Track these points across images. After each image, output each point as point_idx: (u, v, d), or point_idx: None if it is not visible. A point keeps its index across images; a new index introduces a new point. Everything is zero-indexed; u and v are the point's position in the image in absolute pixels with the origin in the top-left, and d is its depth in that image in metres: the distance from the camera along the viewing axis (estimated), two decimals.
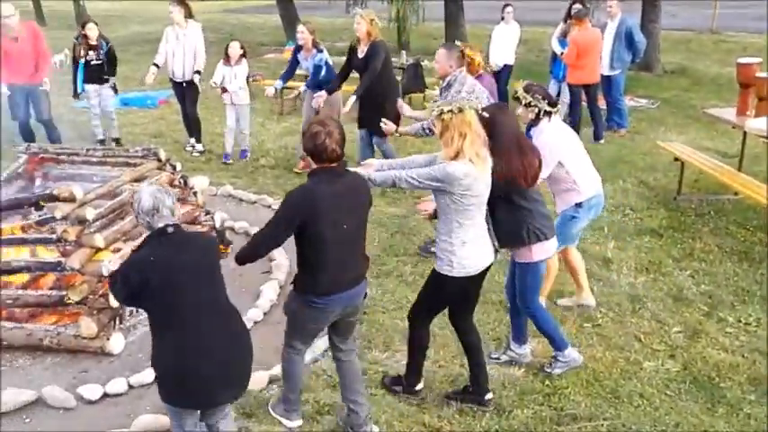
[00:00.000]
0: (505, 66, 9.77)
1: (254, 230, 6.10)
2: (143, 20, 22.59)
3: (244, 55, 7.92)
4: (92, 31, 8.39)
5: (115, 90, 8.74)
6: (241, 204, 6.93)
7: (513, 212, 3.90)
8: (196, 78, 8.14)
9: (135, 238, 4.95)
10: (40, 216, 4.96)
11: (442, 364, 4.32)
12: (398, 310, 4.90)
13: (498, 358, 4.39)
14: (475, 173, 3.50)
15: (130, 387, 4.10)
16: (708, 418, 3.89)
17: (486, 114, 3.75)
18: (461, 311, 3.95)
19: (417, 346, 3.98)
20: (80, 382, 4.14)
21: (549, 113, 4.37)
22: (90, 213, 4.57)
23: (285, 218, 3.30)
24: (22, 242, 4.78)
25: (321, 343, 4.48)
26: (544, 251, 4.04)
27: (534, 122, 4.44)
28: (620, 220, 6.57)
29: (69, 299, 4.35)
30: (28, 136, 7.80)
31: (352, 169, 3.57)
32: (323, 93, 7.13)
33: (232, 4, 26.57)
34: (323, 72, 7.46)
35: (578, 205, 4.52)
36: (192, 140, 8.66)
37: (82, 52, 8.39)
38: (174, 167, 5.80)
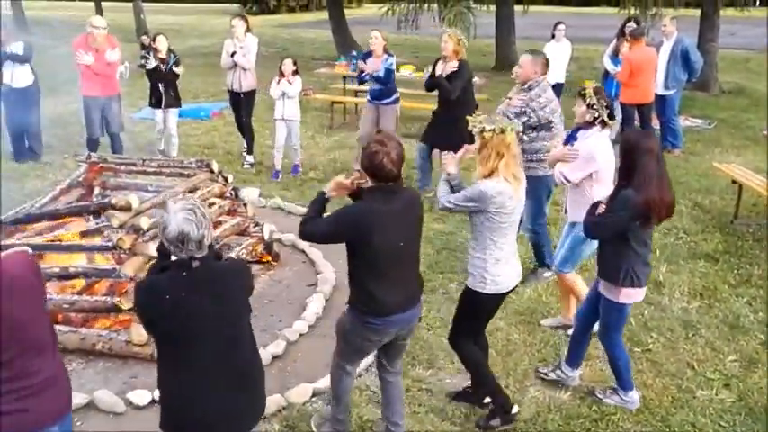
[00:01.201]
0: (557, 84, 9.66)
1: (301, 243, 6.20)
2: (200, 34, 23.22)
3: (296, 71, 8.08)
4: (162, 44, 8.50)
5: (177, 101, 8.79)
6: (289, 217, 7.00)
7: (619, 250, 3.80)
8: (228, 59, 8.18)
9: None
10: (97, 224, 5.12)
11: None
12: (443, 328, 4.86)
13: (546, 374, 4.32)
14: (509, 191, 3.56)
15: None
16: None
17: (629, 140, 3.73)
18: (473, 326, 3.95)
19: (473, 363, 3.92)
20: (130, 387, 4.23)
21: (604, 123, 4.38)
22: (145, 223, 4.69)
23: (334, 231, 3.32)
24: (80, 249, 4.93)
25: (364, 359, 4.49)
26: (632, 296, 3.91)
27: (586, 126, 4.46)
28: (672, 243, 6.41)
29: (121, 303, 4.46)
30: (94, 149, 8.04)
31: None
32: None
33: (286, 20, 27.08)
34: (392, 76, 7.75)
35: None
36: (248, 158, 8.82)
37: (153, 64, 8.46)
38: (225, 179, 5.91)
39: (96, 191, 5.91)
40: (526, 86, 5.39)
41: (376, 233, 3.18)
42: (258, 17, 28.33)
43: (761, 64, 16.37)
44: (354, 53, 12.03)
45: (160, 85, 8.48)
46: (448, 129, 7.07)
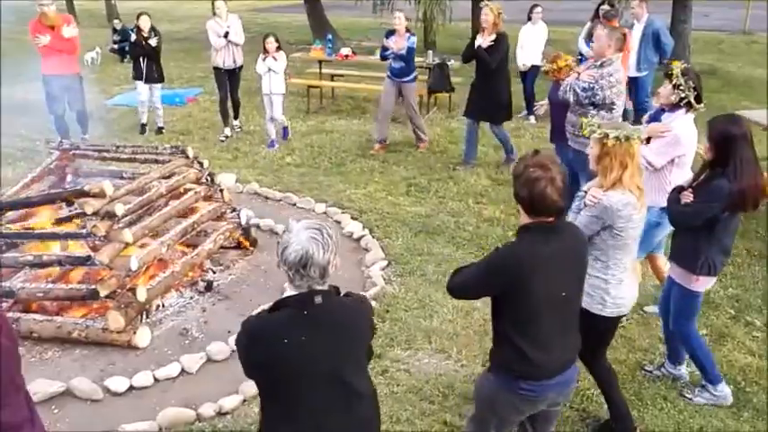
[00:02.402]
0: (533, 66, 9.70)
1: (278, 228, 6.20)
2: (172, 18, 22.85)
3: (279, 47, 8.44)
4: (144, 23, 8.92)
5: (161, 76, 9.24)
6: (266, 202, 6.99)
7: (700, 238, 3.65)
8: (220, 39, 8.68)
9: (162, 234, 5.05)
10: (70, 211, 5.07)
11: (464, 364, 4.33)
12: (421, 309, 4.91)
13: (651, 372, 4.23)
14: (634, 202, 3.23)
15: (156, 380, 4.18)
16: (733, 422, 3.85)
17: (719, 126, 3.56)
18: (599, 348, 3.61)
19: (603, 381, 3.67)
20: (107, 374, 4.22)
21: (690, 105, 4.19)
22: (119, 209, 4.66)
23: (485, 280, 2.77)
24: (53, 237, 4.88)
25: None
26: (706, 283, 3.84)
27: (671, 108, 4.26)
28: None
29: (98, 289, 4.43)
30: (63, 130, 8.08)
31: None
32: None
33: (260, 4, 26.77)
34: (413, 54, 8.22)
35: (663, 210, 4.23)
36: (227, 131, 9.18)
37: (134, 38, 8.97)
38: (201, 165, 5.88)
39: (69, 178, 5.85)
40: (599, 63, 5.34)
41: (536, 281, 2.65)
42: (232, 1, 27.92)
43: (734, 45, 16.56)
44: (330, 37, 11.95)
45: (141, 60, 8.92)
46: (488, 101, 7.53)
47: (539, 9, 9.84)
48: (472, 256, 5.69)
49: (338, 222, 6.41)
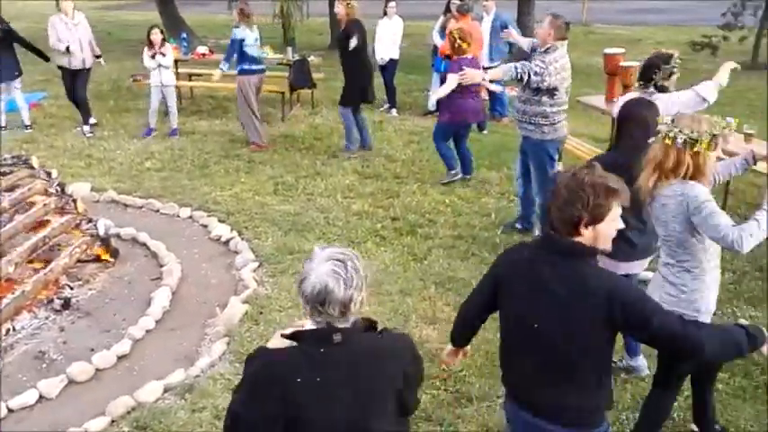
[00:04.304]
0: (391, 60, 9.91)
1: (142, 236, 5.91)
2: (8, 17, 21.12)
3: (165, 40, 8.64)
4: None
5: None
6: (126, 210, 6.65)
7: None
8: (102, 62, 9.17)
9: (7, 252, 4.67)
10: None
11: None
12: (295, 308, 4.88)
13: (615, 362, 4.09)
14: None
15: (10, 411, 3.86)
16: None
17: (628, 110, 3.68)
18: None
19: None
20: None
21: (658, 89, 4.32)
22: None
23: (482, 280, 2.68)
24: None
25: (217, 347, 4.41)
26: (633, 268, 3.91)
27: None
28: (506, 206, 6.85)
29: None
30: None
31: None
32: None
33: (109, 3, 25.36)
34: (234, 47, 8.20)
35: None
36: (86, 128, 8.98)
37: None
38: (48, 174, 5.49)
39: None
40: (543, 49, 5.54)
41: (508, 288, 2.50)
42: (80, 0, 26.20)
43: (573, 36, 17.61)
44: (185, 35, 11.53)
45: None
46: (345, 85, 8.15)
47: (393, 4, 10.05)
48: None
49: (205, 226, 6.23)
